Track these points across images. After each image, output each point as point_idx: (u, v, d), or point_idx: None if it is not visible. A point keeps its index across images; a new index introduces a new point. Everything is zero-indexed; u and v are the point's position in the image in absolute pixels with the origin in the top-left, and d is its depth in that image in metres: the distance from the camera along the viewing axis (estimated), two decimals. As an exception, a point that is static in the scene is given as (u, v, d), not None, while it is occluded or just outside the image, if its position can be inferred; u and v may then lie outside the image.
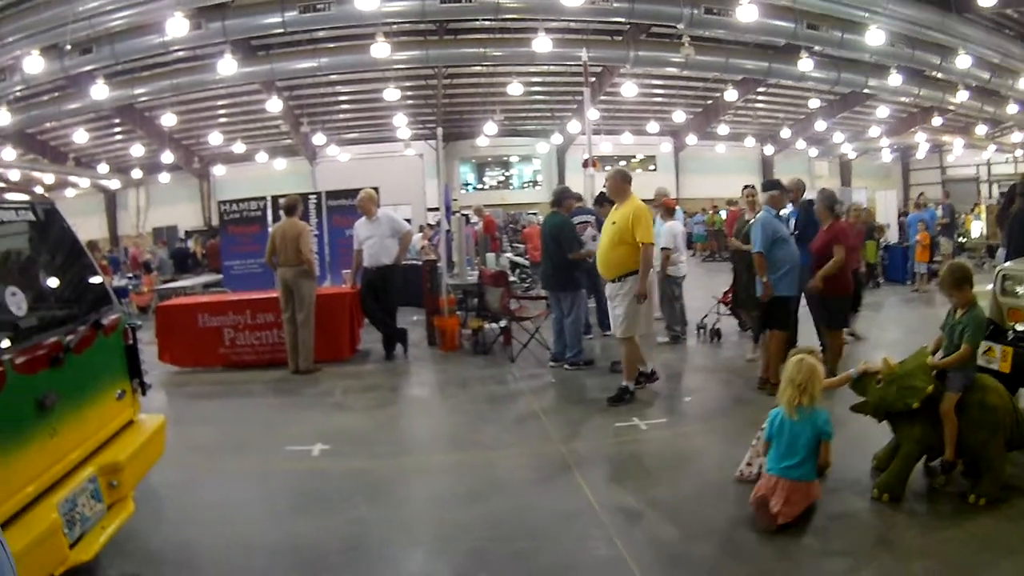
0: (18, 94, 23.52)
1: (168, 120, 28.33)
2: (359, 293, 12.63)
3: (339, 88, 30.20)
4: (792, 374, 5.80)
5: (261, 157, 36.21)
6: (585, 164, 14.81)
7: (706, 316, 12.91)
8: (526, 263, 20.89)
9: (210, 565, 5.45)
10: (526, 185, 41.74)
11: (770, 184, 9.93)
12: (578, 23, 22.90)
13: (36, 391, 4.23)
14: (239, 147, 33.27)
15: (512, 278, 17.41)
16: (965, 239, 25.21)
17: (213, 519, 6.20)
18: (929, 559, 4.96)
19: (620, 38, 24.47)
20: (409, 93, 30.28)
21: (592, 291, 12.32)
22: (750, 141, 40.02)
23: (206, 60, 23.05)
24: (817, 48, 23.09)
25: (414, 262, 16.59)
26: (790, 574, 4.98)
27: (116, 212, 40.37)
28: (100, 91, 21.95)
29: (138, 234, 38.37)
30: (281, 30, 20.29)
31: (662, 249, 12.44)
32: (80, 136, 29.54)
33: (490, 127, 32.66)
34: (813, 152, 41.71)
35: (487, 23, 22.76)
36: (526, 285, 19.73)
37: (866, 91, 28.71)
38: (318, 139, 33.37)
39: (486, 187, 41.42)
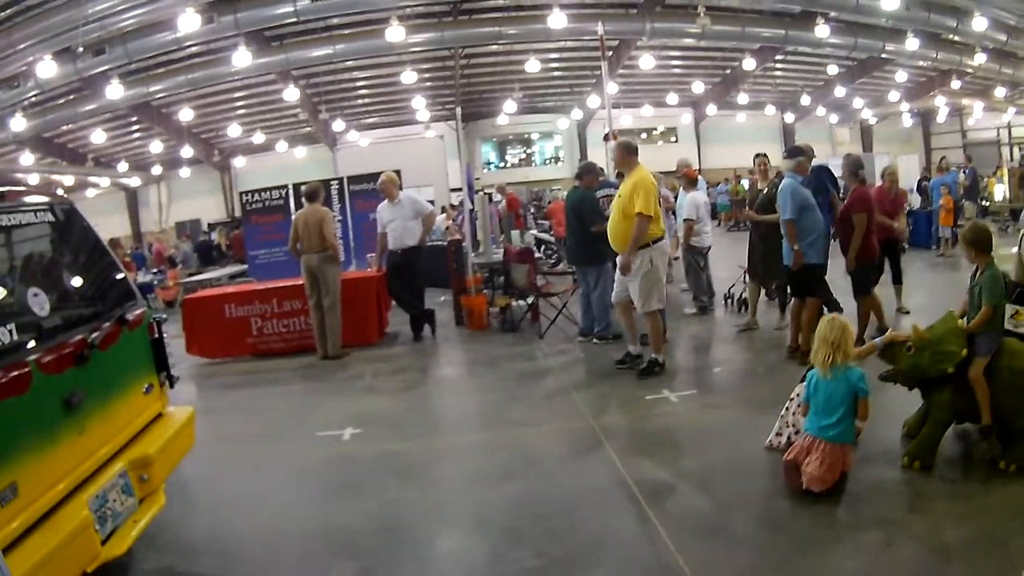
0: (33, 99, 23.68)
1: (186, 115, 28.40)
2: (385, 276, 12.64)
3: (356, 74, 30.07)
4: (825, 333, 5.76)
5: (281, 146, 36.17)
6: (606, 138, 14.70)
7: (733, 286, 12.82)
8: (551, 239, 20.85)
9: (244, 554, 5.46)
10: (548, 162, 41.54)
11: (796, 150, 9.68)
12: (593, -3, 22.79)
13: (62, 390, 4.23)
14: (259, 138, 33.28)
15: (537, 254, 17.38)
16: (988, 202, 24.87)
17: (245, 508, 6.24)
18: (961, 528, 4.89)
19: (635, 11, 24.20)
20: (427, 75, 30.17)
21: (616, 264, 12.29)
22: (770, 109, 39.60)
23: (220, 53, 23.04)
24: (833, 14, 22.82)
25: (439, 243, 16.60)
26: (825, 543, 4.92)
27: (138, 209, 40.54)
28: (115, 91, 22.02)
29: (161, 230, 38.51)
30: (294, 19, 20.24)
31: (684, 220, 12.39)
32: (98, 136, 29.67)
33: (510, 105, 32.62)
34: (833, 119, 41.22)
35: (501, 1, 22.66)
36: (552, 261, 19.70)
37: (884, 56, 28.26)
38: (337, 125, 33.28)
39: (508, 165, 41.25)
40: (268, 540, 5.61)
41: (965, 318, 6.05)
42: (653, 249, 8.91)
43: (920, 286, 11.99)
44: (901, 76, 33.66)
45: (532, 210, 30.25)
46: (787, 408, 6.37)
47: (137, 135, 33.36)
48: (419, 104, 32.48)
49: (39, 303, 4.35)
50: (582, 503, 5.75)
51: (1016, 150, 35.67)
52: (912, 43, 24.58)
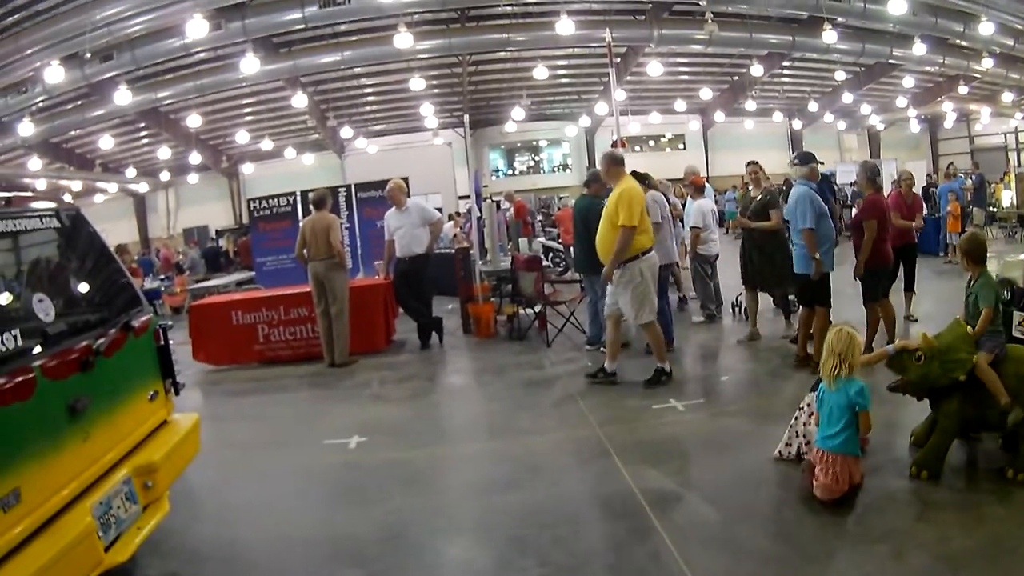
0: (41, 104, 23.79)
1: (194, 121, 28.44)
2: (393, 283, 12.63)
3: (364, 80, 30.17)
4: (832, 344, 5.74)
5: (289, 153, 36.23)
6: (614, 145, 14.69)
7: (740, 294, 12.77)
8: (559, 247, 20.82)
9: (250, 560, 5.46)
10: (556, 169, 41.61)
11: (808, 156, 9.45)
12: (600, 4, 22.83)
13: (67, 396, 4.23)
14: (267, 144, 33.30)
15: (545, 262, 17.37)
16: (996, 208, 24.79)
17: (251, 515, 6.23)
18: (969, 537, 4.86)
19: (643, 17, 24.18)
20: (434, 82, 30.24)
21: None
22: (778, 116, 39.51)
23: (228, 60, 23.12)
24: (840, 19, 22.76)
25: (447, 251, 16.58)
26: (832, 554, 4.89)
27: (146, 215, 40.69)
28: (123, 97, 21.99)
29: (169, 236, 38.58)
30: (302, 26, 20.24)
31: (691, 228, 12.34)
32: (106, 142, 29.84)
33: (518, 112, 32.57)
34: (841, 125, 41.25)
35: (509, 8, 22.62)
36: (559, 269, 19.68)
37: (891, 61, 28.26)
38: (345, 132, 33.35)
39: (516, 172, 41.31)
40: (274, 547, 5.60)
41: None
42: (642, 261, 8.84)
43: (927, 293, 11.94)
44: (908, 81, 33.68)
45: (540, 218, 30.23)
46: (796, 418, 6.32)
47: (145, 141, 33.47)
48: (427, 111, 32.51)
49: (44, 309, 4.36)
50: (588, 512, 5.75)
51: (1023, 155, 35.67)
52: (919, 48, 24.63)
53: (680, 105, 35.50)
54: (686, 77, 33.84)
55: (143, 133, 32.32)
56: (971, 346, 5.75)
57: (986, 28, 21.17)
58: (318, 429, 8.59)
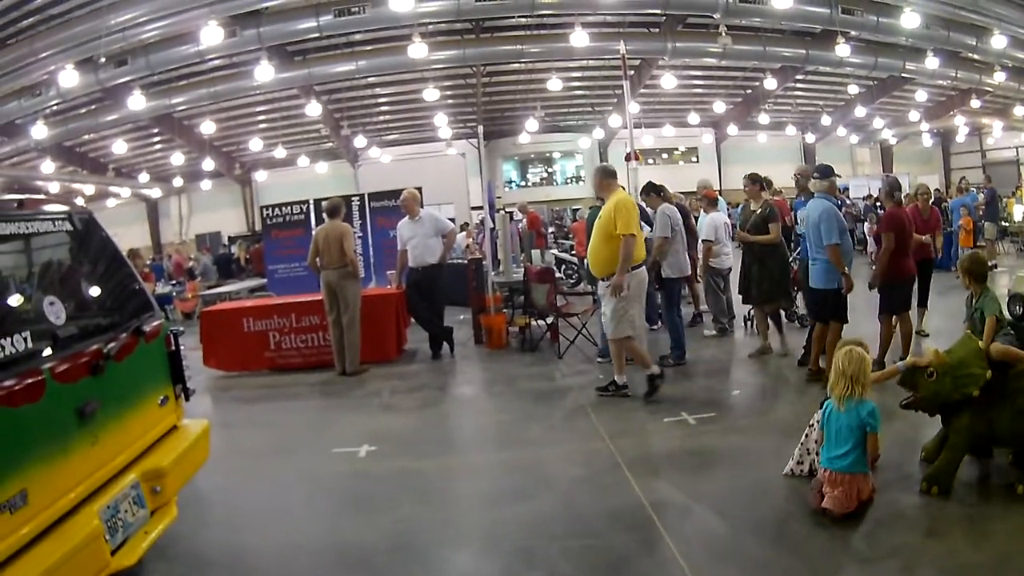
0: (55, 108, 23.89)
1: (207, 128, 28.50)
2: (405, 293, 12.62)
3: (378, 90, 30.24)
4: (844, 366, 5.69)
5: (303, 161, 36.37)
6: (628, 158, 14.65)
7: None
8: (572, 259, 20.79)
9: (257, 567, 5.45)
10: (569, 181, 41.67)
11: (828, 170, 9.36)
12: (614, 16, 22.79)
13: (76, 399, 4.23)
14: (280, 152, 33.32)
15: (558, 274, 17.35)
16: (1008, 223, 24.71)
17: (260, 522, 6.22)
18: (979, 552, 4.82)
19: (657, 30, 24.20)
20: (448, 92, 30.32)
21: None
22: (791, 130, 39.52)
23: (243, 67, 23.23)
24: (853, 33, 22.76)
25: (459, 261, 16.58)
26: (841, 569, 4.86)
27: (158, 220, 40.90)
28: (137, 102, 22.12)
29: (181, 241, 38.69)
30: (317, 35, 20.27)
31: (703, 241, 12.30)
32: (119, 147, 29.94)
33: (531, 124, 32.58)
34: (854, 139, 41.28)
35: (523, 20, 22.64)
36: (572, 281, 19.65)
37: (904, 75, 28.25)
38: (359, 142, 33.32)
39: (529, 184, 41.39)
40: (281, 554, 5.59)
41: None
42: (632, 275, 8.79)
43: (938, 308, 11.86)
44: (921, 95, 33.67)
45: (552, 229, 30.21)
46: (806, 435, 6.28)
47: (158, 146, 33.65)
48: (441, 121, 32.59)
49: (55, 312, 4.36)
50: (597, 524, 5.70)
51: (1036, 170, 35.65)
52: (932, 62, 24.67)
53: (693, 118, 35.46)
54: (700, 90, 33.82)
55: (156, 138, 32.49)
56: (983, 361, 5.71)
57: (999, 42, 21.18)
58: (328, 437, 8.59)
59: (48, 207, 4.96)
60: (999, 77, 26.79)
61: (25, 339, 3.99)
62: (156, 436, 5.15)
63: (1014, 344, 5.86)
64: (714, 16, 20.72)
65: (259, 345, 12.43)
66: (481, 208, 18.42)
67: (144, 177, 35.95)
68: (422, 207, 12.84)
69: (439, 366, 12.20)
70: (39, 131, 23.79)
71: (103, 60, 18.79)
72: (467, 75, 28.85)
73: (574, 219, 28.80)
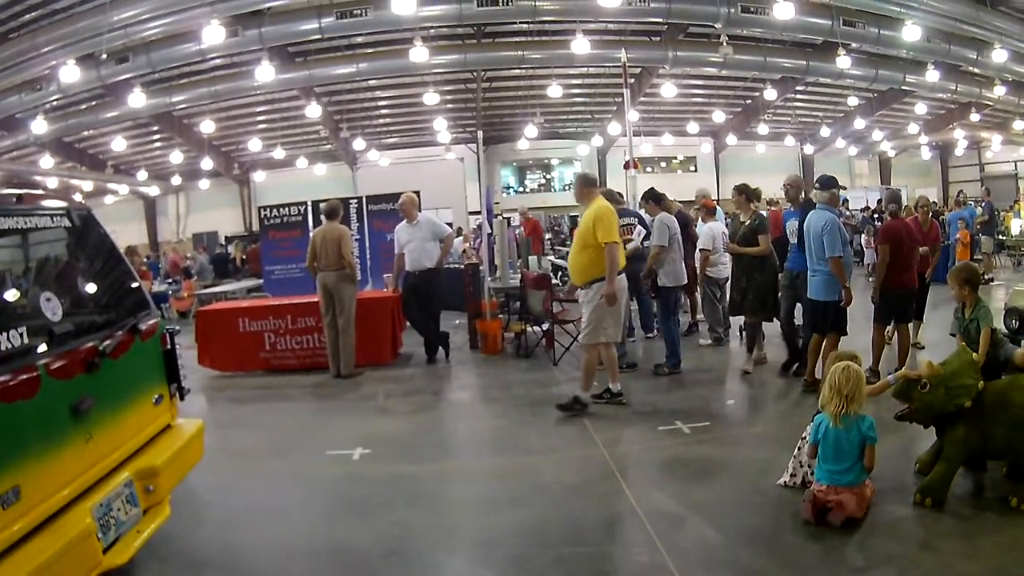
0: (55, 103, 23.86)
1: (207, 127, 28.42)
2: (401, 297, 12.61)
3: (378, 93, 30.19)
4: (840, 384, 5.69)
5: (301, 163, 36.28)
6: (627, 166, 14.69)
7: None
8: (569, 266, 20.77)
9: (250, 568, 5.43)
10: (567, 187, 41.54)
11: (830, 181, 9.27)
12: (616, 24, 22.76)
13: (71, 396, 4.21)
14: (279, 153, 33.20)
15: (555, 281, 17.34)
16: (1006, 237, 24.75)
17: (253, 523, 6.20)
18: (973, 565, 4.82)
19: (658, 39, 24.20)
20: (449, 97, 30.28)
21: (634, 292, 12.11)
22: (790, 140, 39.50)
23: (244, 67, 23.18)
24: (854, 45, 22.75)
25: (456, 266, 16.56)
26: (835, 580, 4.86)
27: (156, 218, 40.70)
28: (137, 99, 22.02)
29: (178, 240, 38.65)
30: (318, 36, 20.21)
31: (700, 250, 12.31)
32: (118, 144, 29.84)
33: (530, 130, 32.52)
34: (853, 151, 41.27)
35: (525, 26, 22.62)
36: (568, 288, 19.62)
37: (904, 88, 28.30)
38: (358, 144, 33.20)
39: (527, 190, 41.30)
40: (274, 555, 5.58)
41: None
42: (606, 284, 8.78)
43: (934, 321, 11.86)
44: (921, 108, 33.68)
45: (550, 236, 30.18)
46: (799, 448, 6.27)
47: (157, 144, 33.51)
48: (440, 126, 32.44)
49: (51, 308, 4.33)
50: (592, 532, 5.69)
51: (1034, 184, 35.71)
52: (932, 75, 24.69)
53: (693, 127, 35.37)
54: (699, 99, 33.74)
55: (156, 136, 32.36)
56: (977, 372, 5.75)
57: (999, 56, 21.26)
58: (321, 439, 8.57)
59: (46, 203, 4.94)
60: (999, 91, 26.86)
61: (21, 335, 3.96)
62: (150, 435, 5.12)
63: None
64: (715, 26, 20.74)
65: (254, 346, 12.42)
66: (479, 213, 18.42)
67: (143, 175, 35.78)
68: (420, 211, 12.83)
69: (434, 371, 12.19)
70: (39, 126, 23.73)
71: (104, 56, 18.71)
72: (467, 80, 28.81)
73: (572, 226, 28.77)
